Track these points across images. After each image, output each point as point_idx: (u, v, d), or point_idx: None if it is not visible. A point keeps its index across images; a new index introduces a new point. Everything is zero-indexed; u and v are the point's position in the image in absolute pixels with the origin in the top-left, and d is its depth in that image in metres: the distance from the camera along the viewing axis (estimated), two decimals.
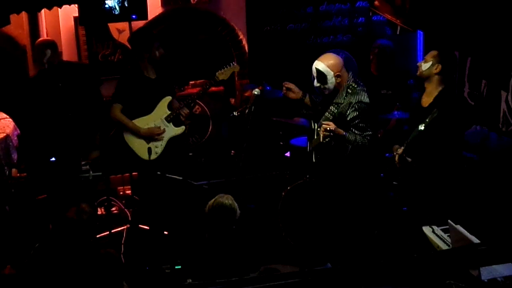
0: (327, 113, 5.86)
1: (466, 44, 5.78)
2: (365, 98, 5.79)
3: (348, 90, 5.78)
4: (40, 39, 6.80)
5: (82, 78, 6.56)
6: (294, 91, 6.04)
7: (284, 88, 6.06)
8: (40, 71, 6.48)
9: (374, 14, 7.62)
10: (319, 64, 5.80)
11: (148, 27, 7.56)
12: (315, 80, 5.84)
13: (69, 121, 6.46)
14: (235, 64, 6.38)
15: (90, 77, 6.66)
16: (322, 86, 5.82)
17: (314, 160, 5.93)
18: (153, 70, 6.33)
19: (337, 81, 5.78)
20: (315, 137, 5.90)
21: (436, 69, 5.42)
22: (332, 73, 5.76)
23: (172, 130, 6.32)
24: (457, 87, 6.39)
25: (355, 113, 5.74)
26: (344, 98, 5.79)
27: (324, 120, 5.82)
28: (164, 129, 6.27)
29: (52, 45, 6.53)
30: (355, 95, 5.77)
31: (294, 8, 7.65)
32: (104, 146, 6.91)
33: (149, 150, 6.16)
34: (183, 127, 6.36)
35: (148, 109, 6.30)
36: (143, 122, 6.27)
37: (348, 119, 5.75)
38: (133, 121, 6.25)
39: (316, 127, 5.93)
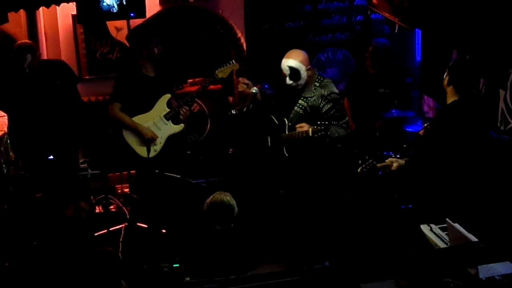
0: (296, 107, 5.89)
1: (464, 42, 5.77)
2: (334, 88, 5.90)
3: (316, 83, 5.84)
4: (18, 42, 6.56)
5: (63, 75, 6.54)
6: (250, 86, 5.99)
7: (242, 84, 6.00)
8: (22, 74, 6.40)
9: (373, 12, 7.62)
10: (290, 62, 5.79)
11: (146, 24, 7.57)
12: (287, 78, 5.81)
13: (59, 119, 6.46)
14: (234, 62, 6.38)
15: (69, 74, 6.63)
16: (294, 83, 5.82)
17: (286, 154, 5.93)
18: (152, 68, 6.34)
19: (308, 74, 5.82)
20: (287, 132, 5.90)
21: (446, 81, 5.14)
22: (304, 67, 5.79)
23: (171, 128, 6.33)
24: None
25: (329, 105, 5.80)
26: (314, 92, 5.84)
27: (294, 115, 5.86)
28: (157, 138, 6.29)
29: (31, 49, 6.38)
30: (325, 87, 5.84)
31: (292, 6, 7.65)
32: (103, 144, 6.91)
33: (148, 147, 6.17)
34: (182, 125, 6.36)
35: (147, 107, 6.31)
36: (142, 120, 6.29)
37: (323, 111, 5.80)
38: (132, 118, 6.26)
39: (287, 122, 5.92)
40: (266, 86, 6.39)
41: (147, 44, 6.26)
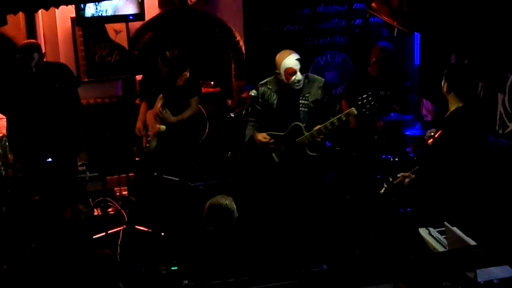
0: (301, 108, 5.83)
1: (463, 46, 5.78)
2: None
3: (306, 79, 5.84)
4: (25, 42, 6.63)
5: (66, 78, 6.57)
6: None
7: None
8: (27, 74, 6.41)
9: (371, 15, 7.62)
10: (294, 55, 5.77)
11: (157, 28, 7.62)
12: (299, 73, 5.74)
13: (58, 122, 6.47)
14: (186, 72, 6.41)
15: (70, 77, 6.66)
16: (302, 76, 5.77)
17: (311, 154, 5.86)
18: (167, 68, 6.55)
19: None
20: (305, 133, 5.82)
21: (445, 87, 5.08)
22: None
23: (156, 127, 6.43)
24: None
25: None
26: (309, 87, 5.84)
27: (303, 116, 5.80)
28: (143, 133, 6.59)
29: (38, 48, 6.44)
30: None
31: (291, 10, 7.65)
32: (101, 147, 6.93)
33: (147, 140, 6.50)
34: (163, 126, 6.46)
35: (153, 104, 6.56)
36: (149, 115, 6.58)
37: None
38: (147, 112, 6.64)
39: (302, 124, 5.82)
40: None
41: (160, 49, 6.48)
